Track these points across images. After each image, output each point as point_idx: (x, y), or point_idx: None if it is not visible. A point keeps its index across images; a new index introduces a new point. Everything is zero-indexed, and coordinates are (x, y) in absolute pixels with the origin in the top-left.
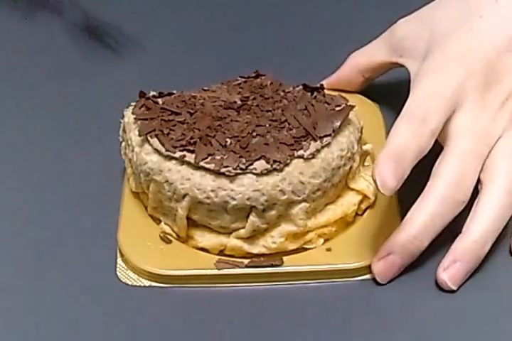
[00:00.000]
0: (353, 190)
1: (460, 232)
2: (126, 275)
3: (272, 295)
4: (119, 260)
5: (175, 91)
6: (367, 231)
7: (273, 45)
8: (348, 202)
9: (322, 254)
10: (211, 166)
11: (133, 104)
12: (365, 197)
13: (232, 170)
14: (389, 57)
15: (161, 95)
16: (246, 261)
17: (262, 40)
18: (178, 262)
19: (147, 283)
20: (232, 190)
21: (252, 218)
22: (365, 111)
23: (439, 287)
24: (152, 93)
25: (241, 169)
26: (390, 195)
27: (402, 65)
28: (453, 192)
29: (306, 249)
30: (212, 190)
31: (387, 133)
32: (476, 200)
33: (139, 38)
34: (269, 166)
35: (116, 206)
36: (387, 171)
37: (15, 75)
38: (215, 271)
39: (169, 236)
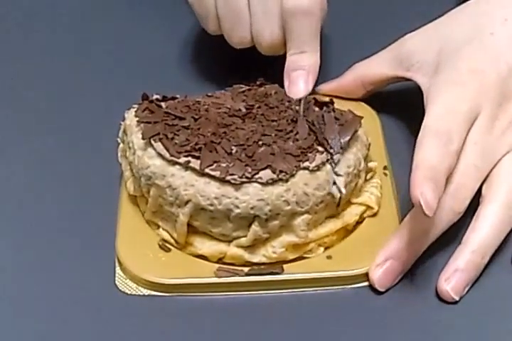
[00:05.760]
0: (355, 203)
1: (460, 243)
2: (125, 284)
3: (273, 303)
4: (118, 269)
5: (178, 96)
6: (367, 239)
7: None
8: (350, 213)
9: (322, 262)
10: (216, 173)
11: (135, 106)
12: (368, 207)
13: (238, 179)
14: (395, 70)
15: (164, 99)
16: (246, 269)
17: None
18: (178, 271)
19: (146, 292)
20: (236, 199)
21: (255, 227)
22: (363, 118)
23: (439, 297)
24: (155, 96)
25: (247, 178)
26: (432, 215)
27: (408, 79)
28: (450, 202)
29: (306, 257)
30: (216, 198)
31: (385, 139)
32: (477, 213)
33: (142, 40)
34: (275, 176)
35: (114, 213)
36: (430, 192)
37: (13, 76)
38: (215, 279)
39: (168, 244)
